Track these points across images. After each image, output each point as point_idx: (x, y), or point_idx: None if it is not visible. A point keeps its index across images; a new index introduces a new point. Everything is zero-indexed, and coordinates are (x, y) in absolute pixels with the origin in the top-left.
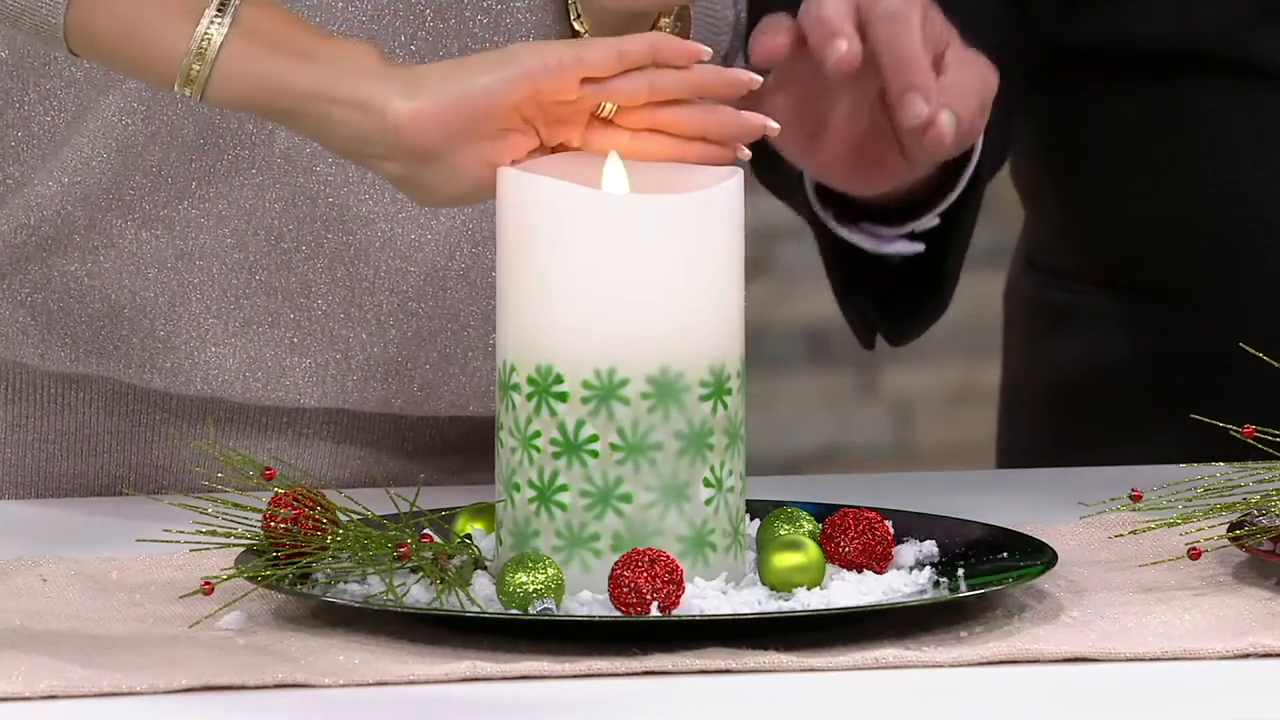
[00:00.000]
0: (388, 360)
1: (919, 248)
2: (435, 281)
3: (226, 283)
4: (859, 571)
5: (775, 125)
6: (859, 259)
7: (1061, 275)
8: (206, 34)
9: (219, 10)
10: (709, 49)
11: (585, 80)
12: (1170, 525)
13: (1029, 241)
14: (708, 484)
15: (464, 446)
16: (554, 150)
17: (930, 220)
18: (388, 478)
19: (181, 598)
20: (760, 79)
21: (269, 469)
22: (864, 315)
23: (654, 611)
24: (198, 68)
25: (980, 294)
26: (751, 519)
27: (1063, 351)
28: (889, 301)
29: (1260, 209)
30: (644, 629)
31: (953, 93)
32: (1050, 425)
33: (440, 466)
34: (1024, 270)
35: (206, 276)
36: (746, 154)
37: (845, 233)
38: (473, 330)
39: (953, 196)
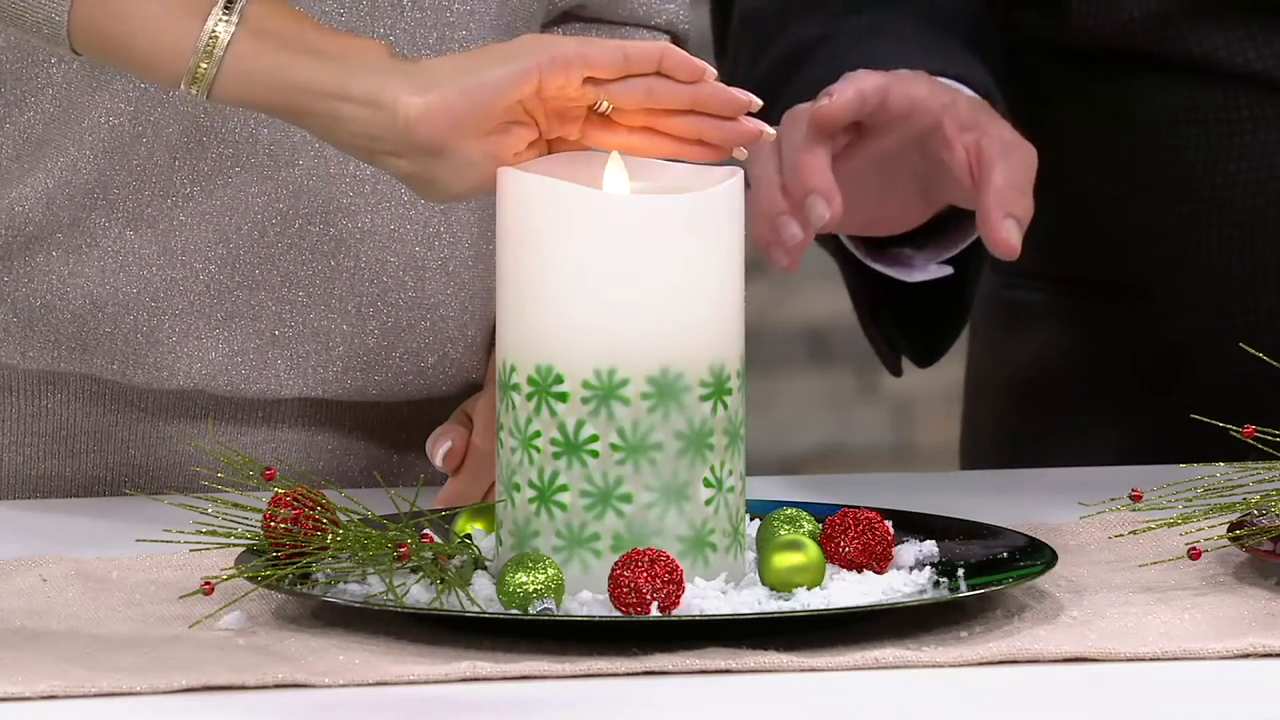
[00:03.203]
0: (367, 350)
1: (947, 270)
2: (414, 271)
3: (209, 278)
4: (859, 571)
5: (771, 131)
6: (882, 286)
7: (1019, 274)
8: (214, 32)
9: (226, 8)
10: (714, 69)
11: (587, 79)
12: (1170, 525)
13: None
14: (708, 484)
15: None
16: (552, 143)
17: (956, 248)
18: (362, 468)
19: (181, 598)
20: (760, 101)
21: (269, 469)
22: (890, 342)
23: (654, 611)
24: (205, 66)
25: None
26: (751, 519)
27: (1022, 349)
28: (914, 324)
29: (1206, 202)
30: (644, 629)
31: (1006, 195)
32: (1011, 423)
33: (415, 455)
34: (985, 270)
35: (189, 272)
36: (743, 154)
37: (877, 265)
38: (451, 321)
39: (976, 233)
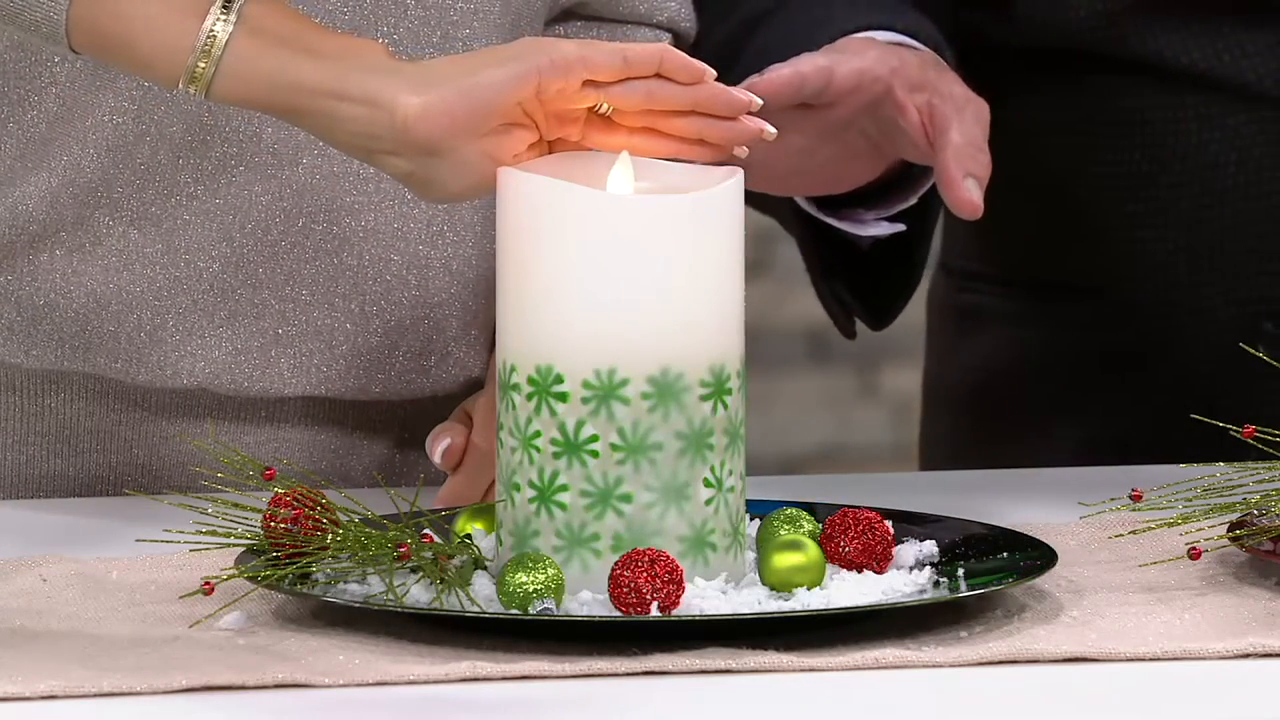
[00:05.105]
0: (370, 349)
1: (900, 227)
2: (417, 270)
3: (213, 276)
4: (859, 571)
5: (772, 130)
6: (834, 247)
7: (972, 277)
8: (212, 32)
9: (224, 7)
10: (714, 70)
11: (587, 82)
12: (1170, 525)
13: (942, 245)
14: (708, 484)
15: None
16: (552, 145)
17: (909, 201)
18: (365, 467)
19: (181, 598)
20: (760, 101)
21: (269, 469)
22: (842, 303)
23: (654, 611)
24: (203, 66)
25: None
26: (751, 519)
27: (976, 353)
28: (866, 285)
29: (1153, 201)
30: (644, 629)
31: (964, 154)
32: (967, 426)
33: (418, 454)
34: (938, 274)
35: (192, 271)
36: (744, 151)
37: (829, 219)
38: (454, 319)
39: (928, 184)
